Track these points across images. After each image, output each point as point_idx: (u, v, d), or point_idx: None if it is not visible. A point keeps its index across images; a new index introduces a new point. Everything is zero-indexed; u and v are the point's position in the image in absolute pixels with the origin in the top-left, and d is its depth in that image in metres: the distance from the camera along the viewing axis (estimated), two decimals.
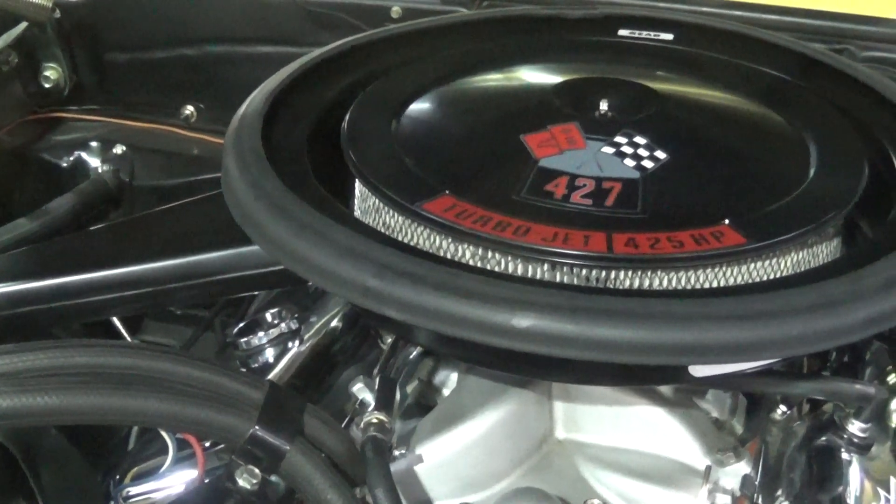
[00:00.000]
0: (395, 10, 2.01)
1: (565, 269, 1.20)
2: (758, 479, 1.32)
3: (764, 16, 1.91)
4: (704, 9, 1.88)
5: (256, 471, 1.18)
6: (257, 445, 1.16)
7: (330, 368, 1.53)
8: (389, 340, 1.51)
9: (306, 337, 1.53)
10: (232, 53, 2.11)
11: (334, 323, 1.57)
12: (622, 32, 1.75)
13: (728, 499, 1.28)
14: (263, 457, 1.17)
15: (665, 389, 1.40)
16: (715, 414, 1.46)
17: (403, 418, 1.44)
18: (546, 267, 1.20)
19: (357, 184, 1.39)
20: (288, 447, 1.17)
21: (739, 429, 1.46)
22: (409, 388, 1.49)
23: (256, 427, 1.16)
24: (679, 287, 1.20)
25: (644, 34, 1.74)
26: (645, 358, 1.09)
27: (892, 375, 1.63)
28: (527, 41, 1.75)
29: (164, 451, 1.39)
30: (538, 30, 1.79)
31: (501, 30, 1.78)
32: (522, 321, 1.07)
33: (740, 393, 1.47)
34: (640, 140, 1.36)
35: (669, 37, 1.72)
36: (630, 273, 1.19)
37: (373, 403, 1.32)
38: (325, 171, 1.39)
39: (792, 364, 1.48)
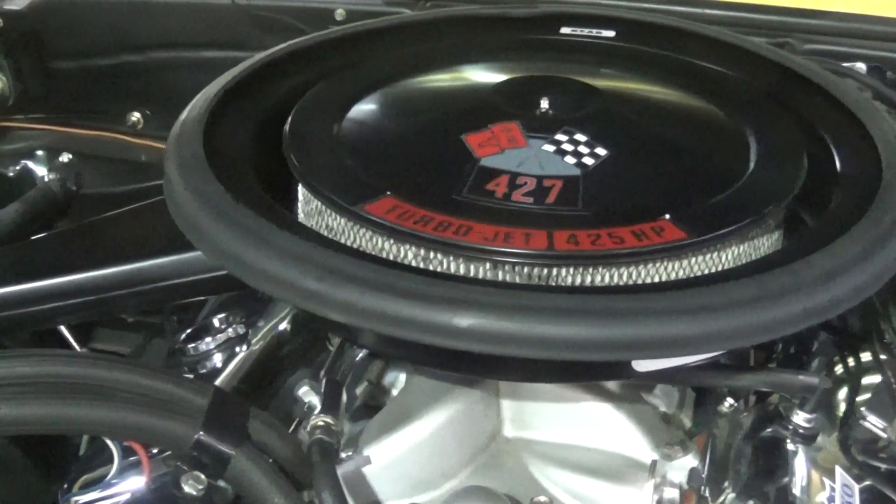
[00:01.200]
0: (340, 13, 2.01)
1: (507, 267, 1.20)
2: (705, 472, 1.32)
3: (706, 11, 1.93)
4: (646, 5, 1.89)
5: (202, 477, 1.18)
6: (202, 451, 1.16)
7: (278, 372, 1.52)
8: (337, 342, 1.51)
9: (254, 341, 1.53)
10: (177, 59, 2.11)
11: (283, 326, 1.56)
12: (564, 30, 1.75)
13: (676, 492, 1.28)
14: (209, 462, 1.17)
15: (612, 385, 1.41)
16: (663, 408, 1.47)
17: (353, 420, 1.43)
18: (488, 266, 1.20)
19: (300, 187, 1.38)
20: (233, 452, 1.17)
21: (688, 422, 1.47)
22: (359, 390, 1.49)
23: (201, 433, 1.16)
24: (621, 283, 1.21)
25: (586, 32, 1.74)
26: (586, 355, 1.09)
27: (839, 366, 1.65)
28: (470, 41, 1.76)
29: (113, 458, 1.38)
30: (481, 29, 1.79)
31: (444, 30, 1.78)
32: (463, 320, 1.08)
33: (689, 386, 1.47)
34: (580, 137, 1.36)
35: (611, 34, 1.73)
36: (571, 270, 1.20)
37: (319, 406, 1.32)
38: (270, 176, 1.39)
39: (738, 356, 1.50)
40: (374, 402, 1.49)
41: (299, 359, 1.56)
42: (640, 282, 1.21)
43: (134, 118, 2.14)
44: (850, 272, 1.17)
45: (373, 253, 1.26)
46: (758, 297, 1.12)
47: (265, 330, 1.54)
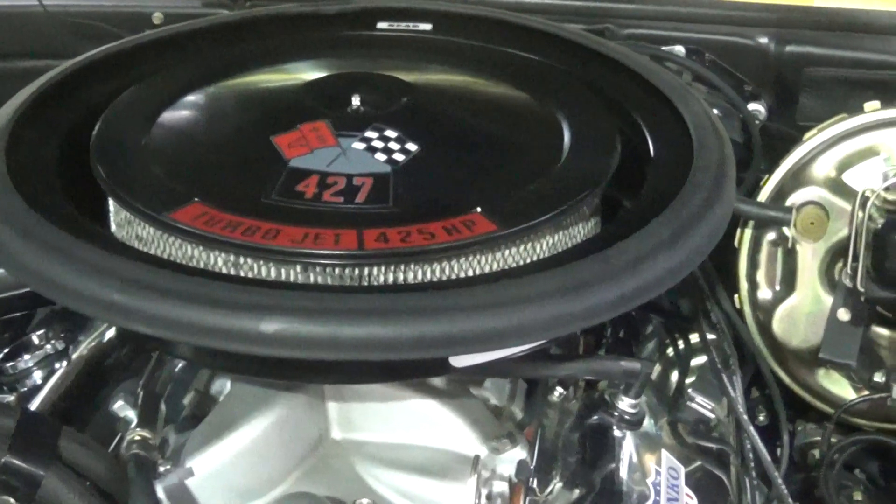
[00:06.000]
0: (157, 16, 1.98)
1: (318, 269, 1.19)
2: (533, 463, 1.32)
3: (527, 0, 1.93)
4: None
5: (12, 501, 1.14)
6: (11, 474, 1.13)
7: (101, 386, 1.49)
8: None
9: (74, 357, 1.49)
10: None
11: (106, 338, 1.52)
12: (381, 25, 1.74)
13: (505, 485, 1.28)
14: (19, 486, 1.14)
15: (439, 381, 1.40)
16: (493, 401, 1.46)
17: (179, 431, 1.40)
18: (298, 269, 1.19)
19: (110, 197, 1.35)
20: (43, 473, 1.13)
21: (519, 414, 1.47)
22: (186, 400, 1.46)
23: (7, 456, 1.12)
24: (434, 279, 1.20)
25: (403, 26, 1.73)
26: (396, 354, 1.08)
27: (670, 349, 1.67)
28: (285, 40, 1.73)
29: None
30: (296, 28, 1.77)
31: (260, 30, 1.76)
32: (269, 326, 1.06)
33: (513, 379, 1.47)
34: (390, 133, 1.35)
35: (428, 27, 1.72)
36: (383, 268, 1.19)
37: (135, 420, 1.29)
38: (82, 187, 1.35)
39: (567, 344, 1.50)
40: (202, 412, 1.46)
41: (124, 370, 1.52)
42: (452, 277, 1.20)
43: None
44: (660, 256, 1.18)
45: (183, 261, 1.23)
46: (568, 287, 1.12)
47: (85, 344, 1.50)
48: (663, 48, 1.95)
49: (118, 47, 1.65)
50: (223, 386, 1.47)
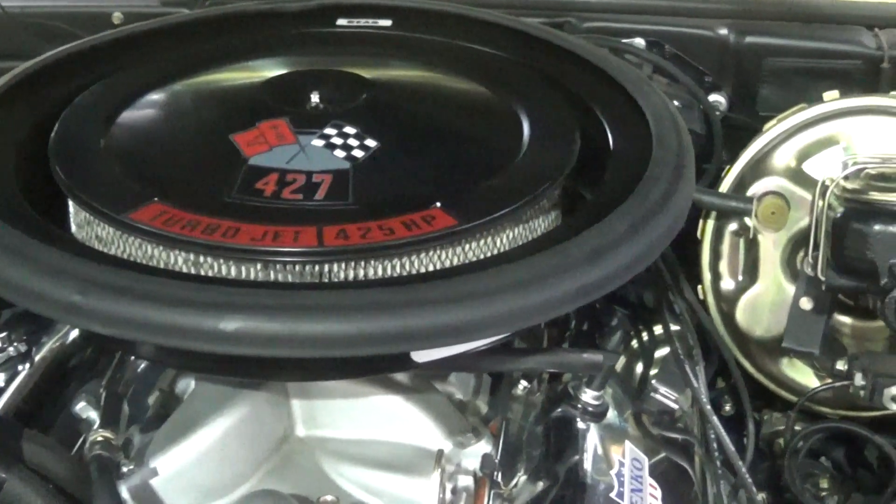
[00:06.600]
0: (117, 16, 1.97)
1: (278, 266, 1.18)
2: (498, 457, 1.32)
3: None
4: None
5: None
6: None
7: (65, 387, 1.48)
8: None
9: (37, 358, 1.48)
10: None
11: (70, 339, 1.51)
12: (341, 22, 1.74)
13: (470, 479, 1.28)
14: None
15: (403, 377, 1.40)
16: (458, 395, 1.47)
17: (144, 431, 1.39)
18: (259, 267, 1.19)
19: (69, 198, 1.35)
20: (5, 476, 1.13)
21: (484, 408, 1.47)
22: (151, 399, 1.45)
23: None
24: (394, 274, 1.20)
25: (363, 22, 1.73)
26: (357, 350, 1.08)
27: (634, 340, 1.68)
28: (244, 38, 1.73)
29: None
30: (257, 26, 1.76)
31: (220, 29, 1.75)
32: (230, 324, 1.06)
33: (476, 373, 1.47)
34: (350, 130, 1.35)
35: (388, 23, 1.72)
36: (343, 265, 1.19)
37: (98, 421, 1.29)
38: (43, 189, 1.35)
39: (531, 338, 1.50)
40: (167, 412, 1.45)
41: (89, 371, 1.52)
42: (413, 272, 1.21)
43: None
44: (620, 248, 1.18)
45: (143, 261, 1.23)
46: (528, 280, 1.12)
47: (48, 346, 1.49)
48: (624, 41, 1.96)
49: (77, 48, 1.64)
50: (188, 385, 1.47)
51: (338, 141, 1.33)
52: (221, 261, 1.19)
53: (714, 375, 1.85)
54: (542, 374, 1.48)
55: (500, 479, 1.31)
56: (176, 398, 1.47)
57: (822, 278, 1.60)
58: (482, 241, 1.24)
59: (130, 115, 1.45)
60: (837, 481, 1.89)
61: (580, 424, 1.37)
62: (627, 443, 1.39)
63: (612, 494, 1.30)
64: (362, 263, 1.19)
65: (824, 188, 1.62)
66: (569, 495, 1.30)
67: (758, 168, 1.74)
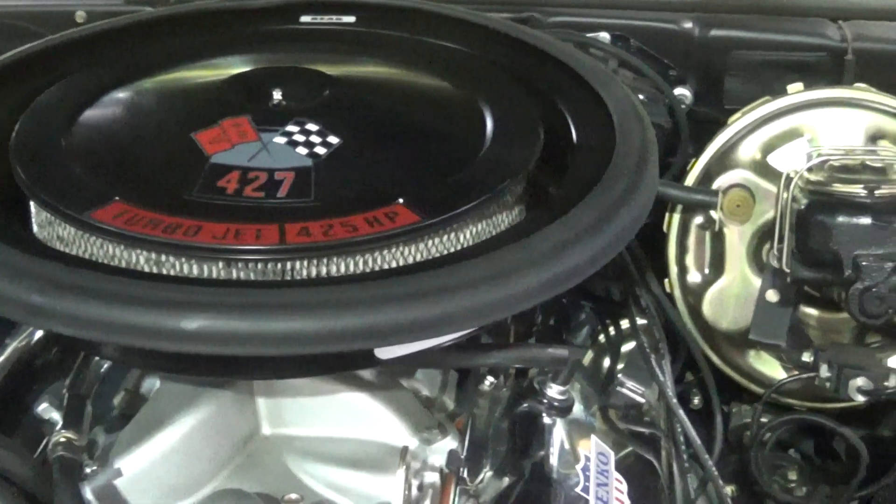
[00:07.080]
0: (80, 15, 1.96)
1: (240, 265, 1.18)
2: (464, 453, 1.32)
3: None
4: None
5: None
6: None
7: (30, 388, 1.47)
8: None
9: (1, 360, 1.47)
10: None
11: (35, 340, 1.50)
12: (304, 18, 1.73)
13: (436, 476, 1.28)
14: None
15: (368, 374, 1.39)
16: (425, 392, 1.46)
17: (109, 431, 1.39)
18: (221, 265, 1.18)
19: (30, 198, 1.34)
20: None
21: (451, 404, 1.47)
22: (117, 400, 1.45)
23: None
24: (357, 271, 1.20)
25: (326, 19, 1.72)
26: (321, 347, 1.08)
27: (601, 335, 1.68)
28: (209, 36, 1.72)
29: None
30: (220, 24, 1.75)
31: (182, 27, 1.73)
32: (191, 323, 1.05)
33: (441, 369, 1.47)
34: (312, 127, 1.34)
35: (352, 19, 1.71)
36: (306, 262, 1.18)
37: (61, 422, 1.28)
38: (3, 189, 1.34)
39: (497, 333, 1.50)
40: (133, 412, 1.45)
41: (55, 372, 1.51)
42: (376, 269, 1.20)
43: None
44: (582, 242, 1.18)
45: (104, 261, 1.22)
46: (491, 276, 1.12)
47: (13, 346, 1.48)
48: (588, 35, 1.96)
49: (39, 46, 1.63)
50: (153, 385, 1.46)
51: (300, 138, 1.33)
52: (183, 259, 1.18)
53: (682, 369, 1.85)
54: (508, 370, 1.48)
55: (466, 475, 1.30)
56: (141, 398, 1.46)
57: (788, 270, 1.61)
58: (445, 237, 1.24)
59: (92, 115, 1.44)
60: (805, 473, 1.90)
61: (546, 419, 1.37)
62: (594, 437, 1.39)
63: (578, 489, 1.30)
64: (325, 261, 1.18)
65: (789, 180, 1.62)
66: (535, 490, 1.30)
67: (723, 161, 1.75)
